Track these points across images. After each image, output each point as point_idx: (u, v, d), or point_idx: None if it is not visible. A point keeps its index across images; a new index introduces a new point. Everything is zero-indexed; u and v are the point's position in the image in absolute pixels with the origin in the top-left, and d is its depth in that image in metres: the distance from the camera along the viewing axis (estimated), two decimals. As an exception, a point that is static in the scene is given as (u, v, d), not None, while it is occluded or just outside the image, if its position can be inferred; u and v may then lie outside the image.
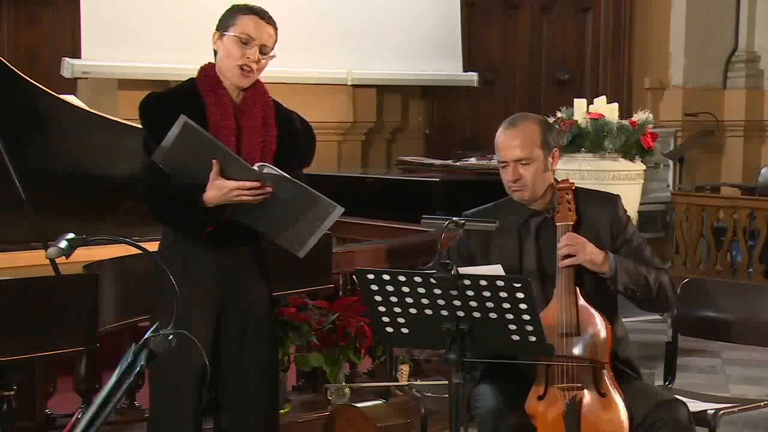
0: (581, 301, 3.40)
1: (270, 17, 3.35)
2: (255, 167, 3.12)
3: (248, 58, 3.26)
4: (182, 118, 3.06)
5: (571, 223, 3.46)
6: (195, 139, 3.08)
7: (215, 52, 3.35)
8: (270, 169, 3.13)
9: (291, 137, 3.39)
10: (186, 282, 3.19)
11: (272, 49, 3.33)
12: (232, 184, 3.10)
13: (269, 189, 3.11)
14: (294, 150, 3.40)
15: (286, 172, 3.21)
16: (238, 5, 3.37)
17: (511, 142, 3.50)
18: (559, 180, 3.59)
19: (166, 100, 3.32)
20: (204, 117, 3.24)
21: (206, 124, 3.23)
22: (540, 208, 3.56)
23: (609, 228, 3.54)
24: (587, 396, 3.33)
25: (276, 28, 3.35)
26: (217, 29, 3.34)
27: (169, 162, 3.13)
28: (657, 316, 7.54)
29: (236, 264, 3.36)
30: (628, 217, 3.63)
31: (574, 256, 3.40)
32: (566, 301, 3.39)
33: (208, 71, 3.35)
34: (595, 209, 3.54)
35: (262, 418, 3.43)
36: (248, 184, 3.09)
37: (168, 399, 3.34)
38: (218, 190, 3.11)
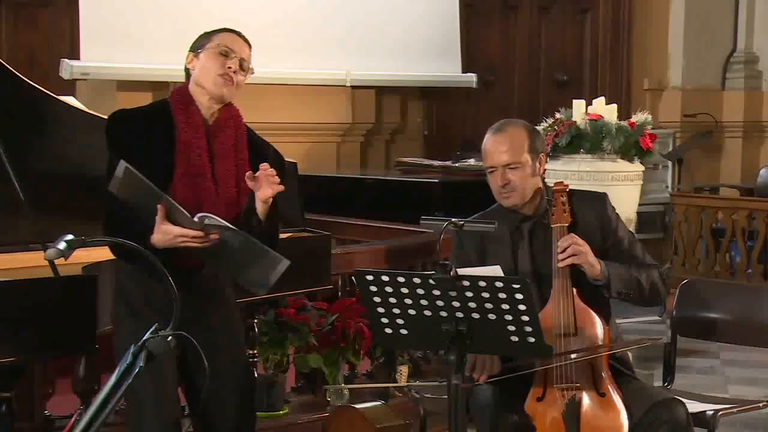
0: (578, 302, 3.41)
1: (245, 37, 3.29)
2: (196, 218, 3.05)
3: (230, 67, 3.20)
4: (122, 164, 2.99)
5: (566, 224, 3.47)
6: (137, 185, 3.02)
7: (187, 73, 3.27)
8: (212, 220, 3.06)
9: (262, 161, 3.26)
10: (143, 311, 3.15)
11: (250, 64, 3.26)
12: (176, 230, 3.03)
13: (215, 236, 3.04)
14: None
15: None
16: (208, 30, 3.30)
17: (499, 147, 3.54)
18: (552, 182, 3.60)
19: (132, 119, 3.24)
20: (173, 136, 3.17)
21: (175, 143, 3.16)
22: (530, 213, 3.58)
23: (599, 227, 3.56)
24: (586, 396, 3.34)
25: (251, 49, 3.29)
26: (191, 50, 3.27)
27: (121, 196, 3.07)
28: (656, 317, 7.56)
29: (195, 293, 3.20)
30: (617, 214, 3.65)
31: (575, 255, 3.41)
32: (563, 301, 3.40)
33: (181, 91, 3.27)
34: (584, 209, 3.56)
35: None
36: (191, 232, 3.03)
37: (142, 411, 3.25)
38: (163, 235, 3.04)
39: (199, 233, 3.03)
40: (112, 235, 3.11)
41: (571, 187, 3.57)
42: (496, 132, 3.59)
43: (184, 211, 3.05)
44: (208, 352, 2.82)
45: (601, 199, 3.64)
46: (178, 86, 3.31)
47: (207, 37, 3.27)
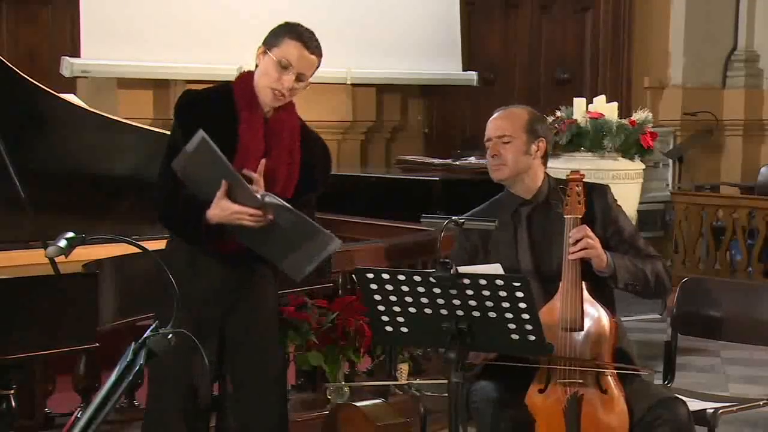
0: (586, 296, 3.40)
1: (316, 47, 3.33)
2: (258, 195, 3.14)
3: (283, 84, 3.24)
4: (200, 134, 3.07)
5: (580, 216, 3.42)
6: (209, 157, 3.09)
7: (257, 65, 3.32)
8: (272, 199, 3.15)
9: (311, 162, 3.39)
10: (191, 280, 3.21)
11: (311, 76, 3.32)
12: (235, 207, 3.12)
13: (270, 217, 3.13)
14: (311, 175, 3.40)
15: (300, 195, 3.29)
16: (289, 25, 3.34)
17: (497, 121, 3.62)
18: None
19: (203, 101, 3.31)
20: (235, 130, 3.24)
21: (236, 138, 3.23)
22: (528, 197, 3.59)
23: (600, 216, 3.56)
24: (588, 392, 3.33)
25: (320, 56, 3.34)
26: (263, 43, 3.31)
27: (185, 171, 3.15)
28: (656, 315, 7.55)
29: (243, 266, 3.34)
30: (619, 206, 3.65)
31: (587, 249, 3.40)
32: (572, 294, 3.37)
33: (246, 82, 3.31)
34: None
35: (273, 414, 3.43)
36: (250, 210, 3.11)
37: (161, 398, 3.32)
38: (221, 210, 3.13)
39: (258, 212, 3.11)
40: (167, 212, 3.26)
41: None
42: (500, 110, 3.67)
43: (249, 187, 3.13)
44: (243, 337, 3.14)
45: (602, 189, 3.64)
46: (245, 74, 3.34)
47: (280, 36, 3.29)
